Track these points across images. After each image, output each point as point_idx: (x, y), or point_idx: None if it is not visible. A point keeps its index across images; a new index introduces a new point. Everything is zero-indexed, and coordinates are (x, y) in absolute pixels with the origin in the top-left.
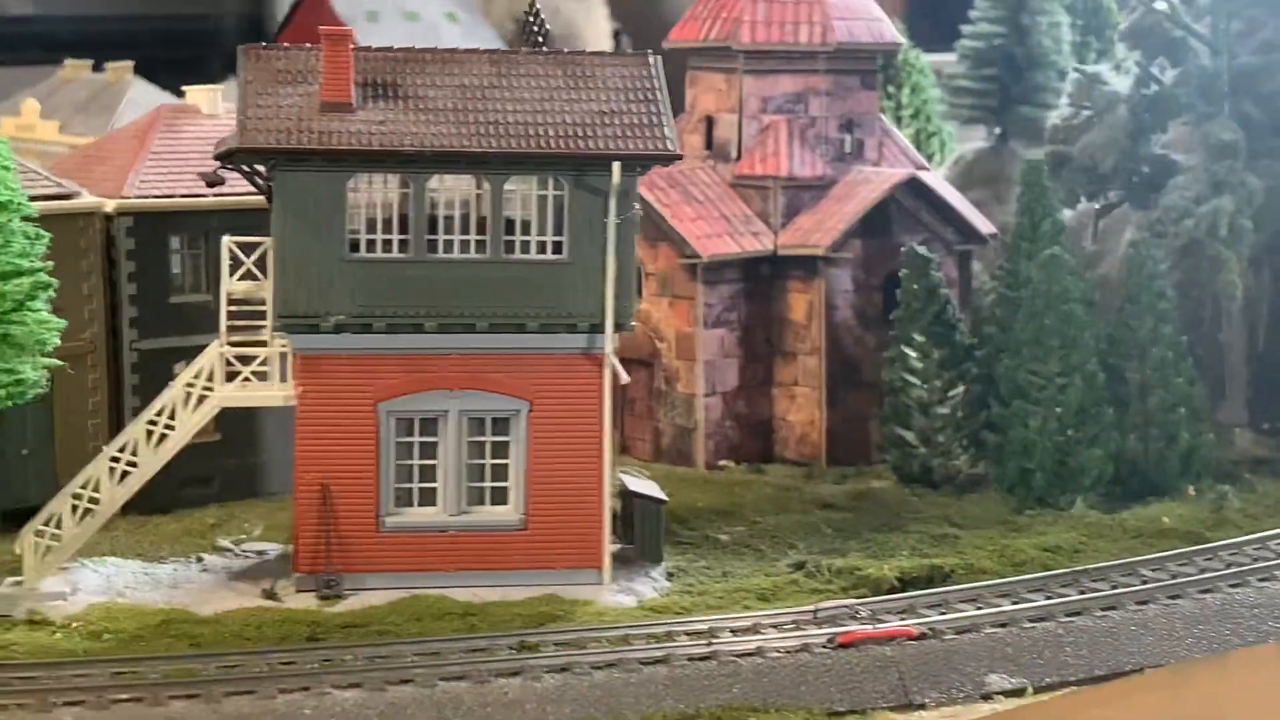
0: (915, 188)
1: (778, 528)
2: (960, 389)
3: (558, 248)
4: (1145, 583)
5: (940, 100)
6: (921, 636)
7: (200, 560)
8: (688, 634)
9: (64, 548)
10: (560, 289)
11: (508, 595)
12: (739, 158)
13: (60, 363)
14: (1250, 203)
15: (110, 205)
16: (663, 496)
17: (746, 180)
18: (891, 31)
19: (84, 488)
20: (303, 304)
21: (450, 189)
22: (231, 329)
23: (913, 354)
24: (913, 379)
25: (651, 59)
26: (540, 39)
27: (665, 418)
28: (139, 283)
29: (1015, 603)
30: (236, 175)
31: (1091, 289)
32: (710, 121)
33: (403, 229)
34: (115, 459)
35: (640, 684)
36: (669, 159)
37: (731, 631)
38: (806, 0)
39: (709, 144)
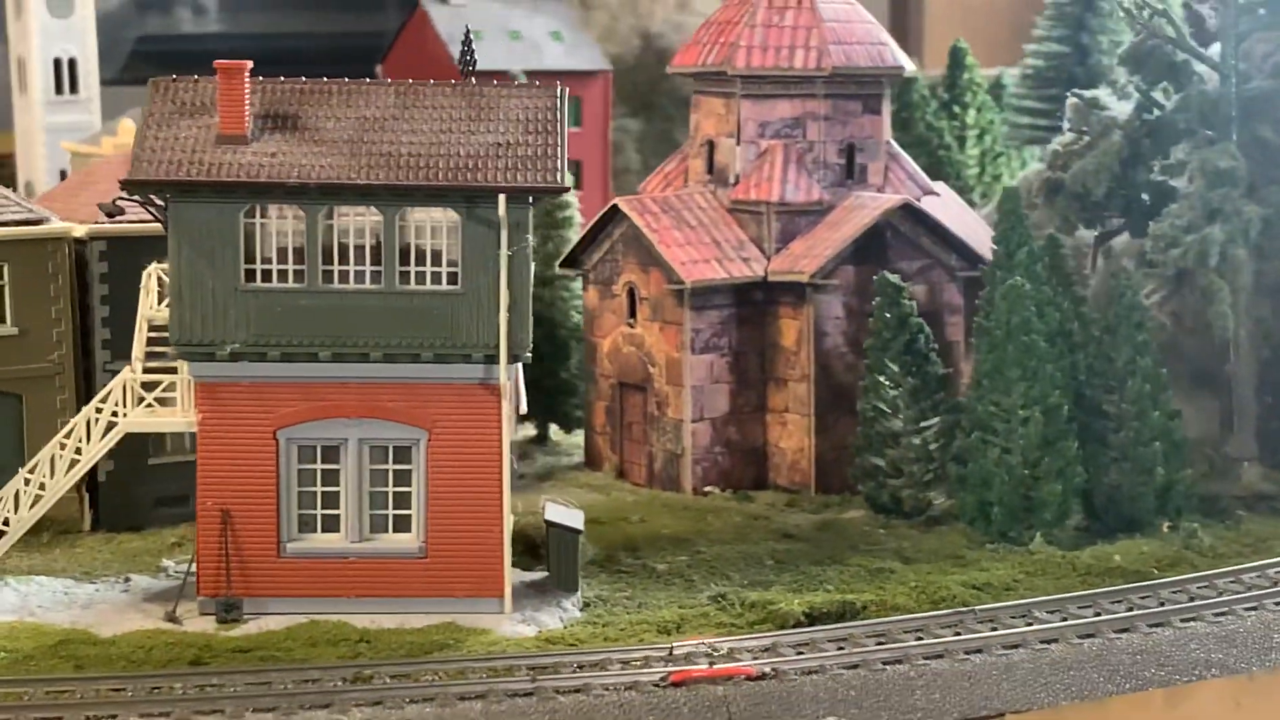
0: (914, 214)
1: (720, 558)
2: (935, 419)
3: (452, 279)
4: (1037, 623)
5: (1003, 120)
6: (761, 677)
7: (127, 580)
8: (535, 669)
9: None
10: (455, 320)
11: (407, 622)
12: (737, 182)
13: None
14: (1247, 231)
15: (80, 230)
16: (578, 527)
17: (742, 205)
18: (894, 55)
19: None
20: (198, 332)
21: (346, 220)
22: (151, 355)
23: (885, 383)
24: (885, 408)
25: (559, 90)
26: (470, 68)
27: (657, 442)
28: (111, 306)
29: (882, 643)
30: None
31: (1068, 319)
32: (711, 146)
33: (298, 259)
34: (28, 480)
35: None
36: (556, 192)
37: (580, 667)
38: (804, 25)
39: (710, 168)
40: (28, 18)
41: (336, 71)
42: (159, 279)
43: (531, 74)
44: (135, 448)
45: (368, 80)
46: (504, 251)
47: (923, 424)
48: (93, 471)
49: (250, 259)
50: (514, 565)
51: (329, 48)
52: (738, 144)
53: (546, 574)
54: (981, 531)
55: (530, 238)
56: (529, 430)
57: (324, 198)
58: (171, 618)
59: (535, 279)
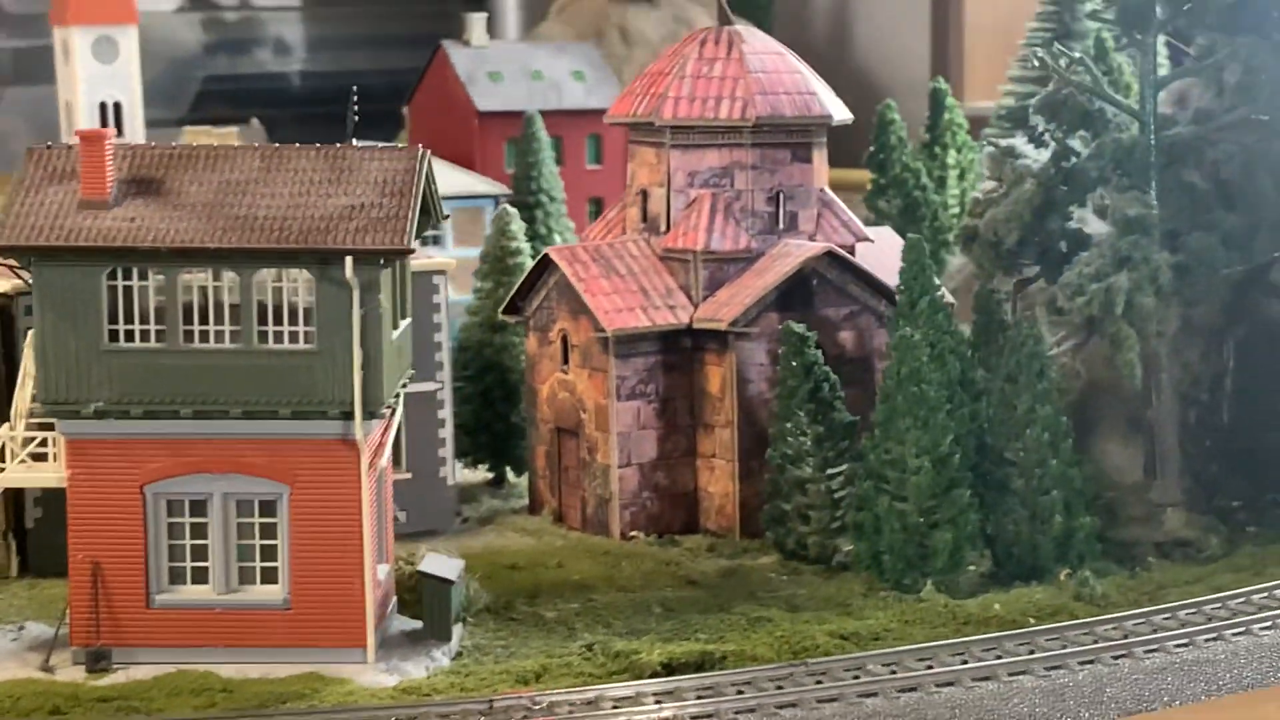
0: (840, 261)
1: (610, 606)
2: (842, 467)
3: (309, 337)
4: (865, 675)
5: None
6: None
7: (21, 628)
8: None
9: None
10: (311, 377)
11: (273, 672)
12: (667, 230)
13: None
14: (1155, 278)
15: (5, 286)
16: (451, 577)
17: (672, 253)
18: (821, 105)
19: None
20: (64, 391)
21: (204, 281)
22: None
23: (792, 430)
24: (792, 455)
25: (420, 153)
26: (353, 128)
27: (589, 487)
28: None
29: (701, 696)
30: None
31: (970, 367)
32: (645, 195)
33: (159, 319)
34: None
35: None
36: (401, 254)
37: None
38: (731, 76)
39: (644, 216)
40: (74, 64)
41: (398, 107)
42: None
43: (551, 113)
44: (63, 493)
45: (234, 146)
46: (355, 311)
47: (829, 471)
48: (21, 515)
49: (113, 320)
50: (402, 613)
51: (392, 84)
52: (667, 193)
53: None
54: (877, 578)
55: (383, 297)
56: (484, 474)
57: (179, 261)
58: (45, 667)
59: (486, 324)
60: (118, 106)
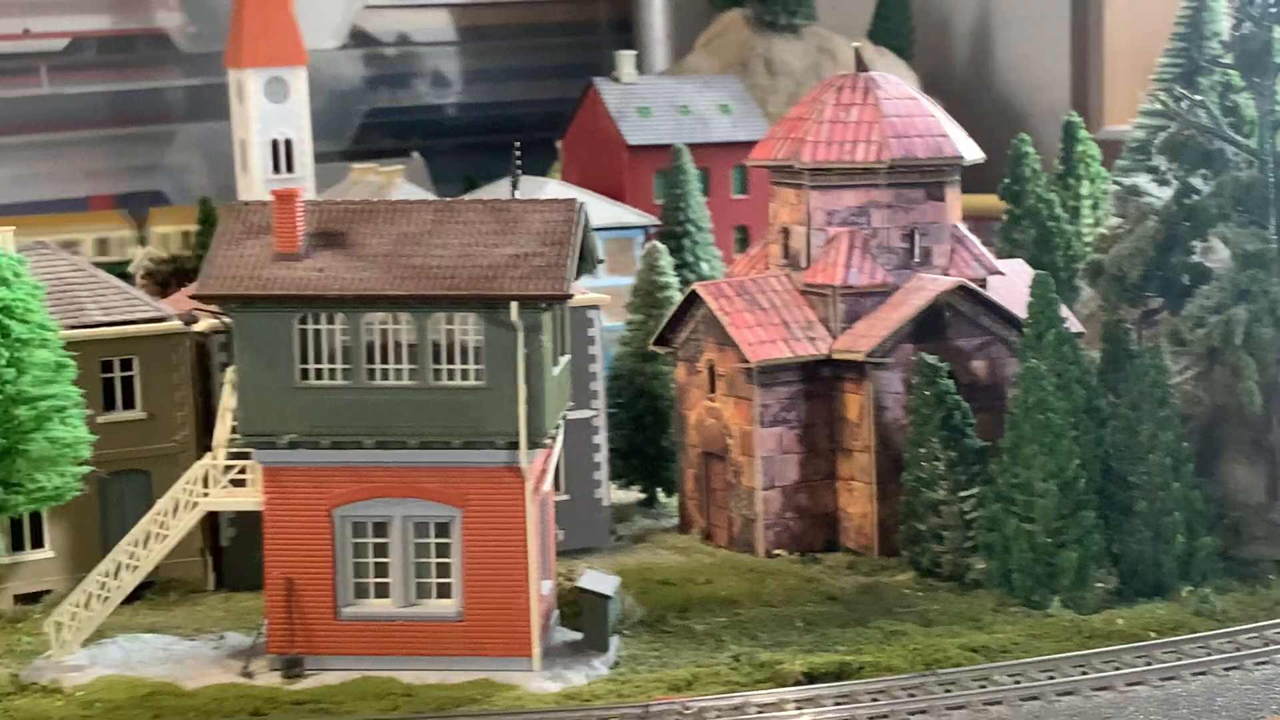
0: (972, 294)
1: (755, 619)
2: (974, 490)
3: (478, 374)
4: (992, 685)
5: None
6: None
7: (222, 638)
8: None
9: (83, 626)
10: (481, 411)
11: (447, 678)
12: (807, 266)
13: (88, 469)
14: (1273, 310)
15: (202, 326)
16: (608, 592)
17: (812, 288)
18: (953, 147)
19: (106, 575)
20: (260, 424)
21: (383, 324)
22: (234, 443)
23: (926, 456)
24: (926, 479)
25: (577, 205)
26: (516, 174)
27: (735, 508)
28: None
29: (840, 702)
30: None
31: (1097, 394)
32: (786, 232)
33: (345, 359)
34: (130, 552)
35: None
36: (560, 299)
37: None
38: (867, 121)
39: (786, 253)
40: (248, 103)
41: (554, 135)
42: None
43: (698, 146)
44: (255, 515)
45: (411, 200)
46: (520, 350)
47: (961, 494)
48: (216, 535)
49: (304, 359)
50: (563, 625)
51: (543, 114)
52: (807, 231)
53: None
54: (1007, 595)
55: (544, 337)
56: (636, 494)
57: (364, 306)
58: (245, 673)
59: (637, 354)
60: (288, 143)
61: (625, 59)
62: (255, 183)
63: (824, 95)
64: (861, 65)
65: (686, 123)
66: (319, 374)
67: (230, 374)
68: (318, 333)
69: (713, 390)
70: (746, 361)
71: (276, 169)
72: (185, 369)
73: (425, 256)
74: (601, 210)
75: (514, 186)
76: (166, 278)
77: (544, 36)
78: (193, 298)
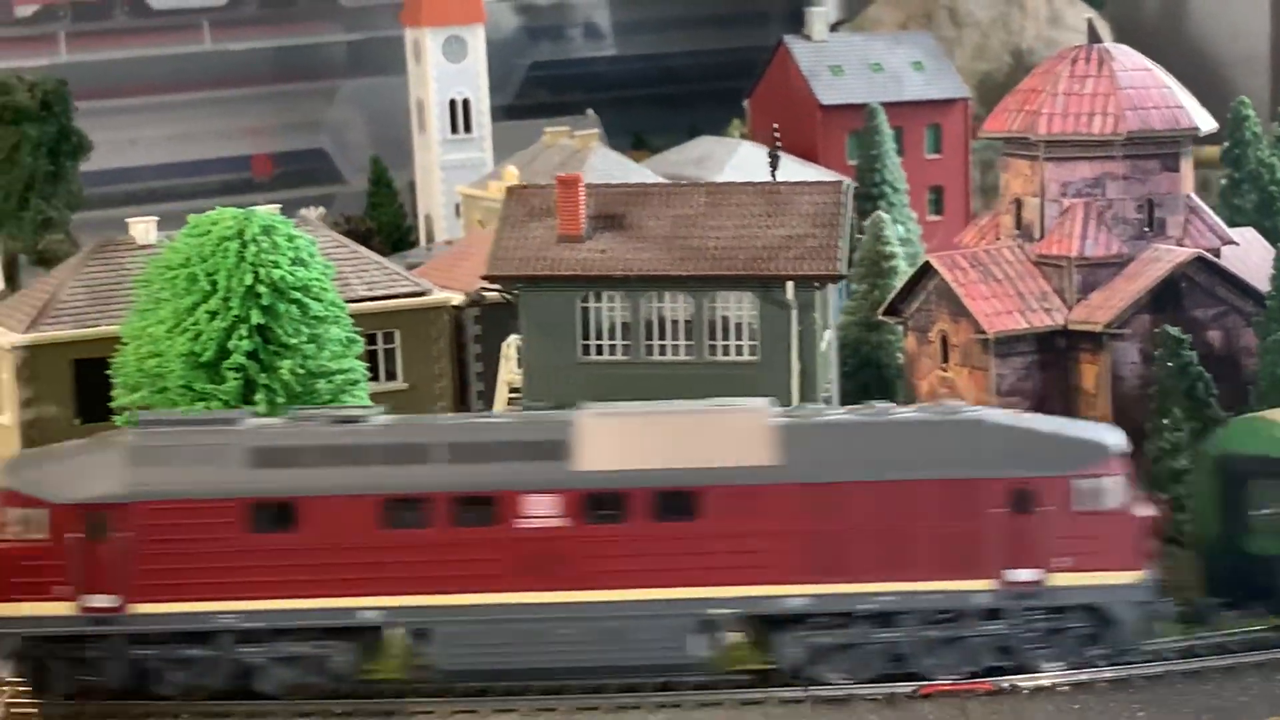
0: (1208, 264)
1: None
2: None
3: (752, 350)
4: None
5: None
6: (998, 691)
7: None
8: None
9: None
10: (754, 385)
11: None
12: (1041, 237)
13: None
14: None
15: (458, 299)
16: None
17: (1046, 259)
18: (1189, 117)
19: None
20: (544, 396)
21: (661, 303)
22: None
23: (1166, 426)
24: (1166, 448)
25: (844, 186)
26: (774, 159)
27: None
28: (484, 364)
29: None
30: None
31: None
32: (1018, 204)
33: (625, 336)
34: None
35: None
36: (835, 279)
37: None
38: (1103, 93)
39: (1018, 224)
40: (426, 63)
41: (718, 88)
42: (517, 349)
43: (892, 105)
44: None
45: (682, 183)
46: (794, 328)
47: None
48: None
49: (585, 336)
50: None
51: (712, 64)
52: (1041, 202)
53: None
54: None
55: (818, 316)
56: None
57: (646, 286)
58: None
59: (863, 324)
60: (466, 102)
61: (817, 16)
62: (432, 143)
63: (1057, 67)
64: (1095, 36)
65: (879, 81)
66: (599, 350)
67: (507, 348)
68: (598, 310)
69: (945, 360)
70: (983, 332)
71: (454, 129)
72: (444, 341)
73: (702, 238)
74: (794, 172)
75: (773, 167)
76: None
77: None
78: (483, 278)
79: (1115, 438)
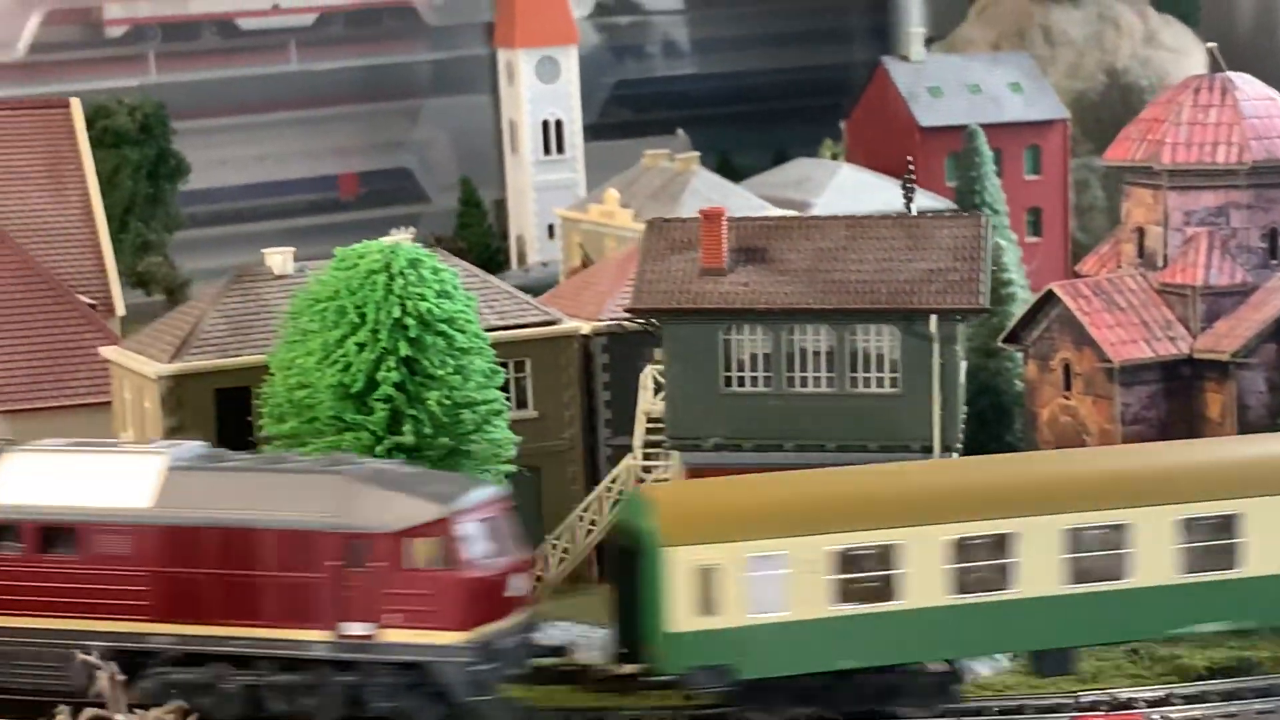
0: None
1: None
2: None
3: (893, 383)
4: None
5: None
6: None
7: None
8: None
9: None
10: (895, 417)
11: None
12: (1164, 266)
13: (511, 468)
14: None
15: (586, 328)
16: None
17: (1169, 288)
18: None
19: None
20: (687, 427)
21: (803, 335)
22: (646, 444)
23: None
24: None
25: (984, 219)
26: (908, 195)
27: None
28: (612, 392)
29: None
30: None
31: None
32: (1141, 232)
33: (766, 367)
34: (554, 544)
35: None
36: (979, 313)
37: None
38: (1226, 122)
39: (1140, 252)
40: (519, 84)
41: (800, 106)
42: (655, 379)
43: (991, 126)
44: None
45: (822, 216)
46: (936, 360)
47: None
48: None
49: (727, 368)
50: None
51: (793, 82)
52: (1164, 231)
53: None
54: None
55: (959, 348)
56: None
57: (789, 318)
58: None
59: (981, 351)
60: (559, 123)
61: (915, 37)
62: (524, 164)
63: (1180, 96)
64: (1217, 65)
65: (978, 102)
66: (741, 381)
67: (645, 378)
68: (740, 342)
69: (1068, 388)
70: (1107, 360)
71: (547, 150)
72: (573, 370)
73: (844, 271)
74: (893, 195)
75: (907, 200)
76: None
77: (779, 1)
78: (626, 310)
79: (473, 495)
